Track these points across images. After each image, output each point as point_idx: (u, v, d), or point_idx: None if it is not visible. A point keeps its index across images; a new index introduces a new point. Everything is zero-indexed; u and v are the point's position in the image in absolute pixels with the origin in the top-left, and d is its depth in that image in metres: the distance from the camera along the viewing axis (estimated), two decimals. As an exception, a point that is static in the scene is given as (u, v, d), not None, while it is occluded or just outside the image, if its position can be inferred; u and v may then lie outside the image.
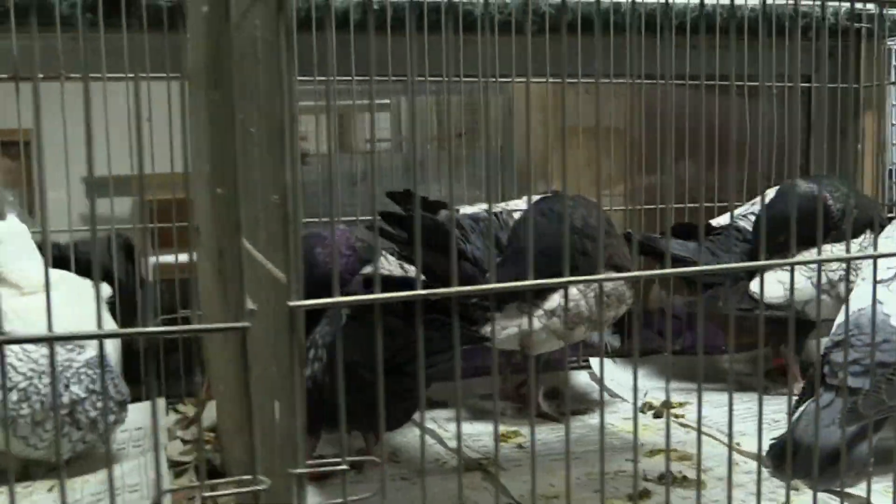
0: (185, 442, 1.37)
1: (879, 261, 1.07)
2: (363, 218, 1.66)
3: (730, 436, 0.95)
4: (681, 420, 1.50)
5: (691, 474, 1.26)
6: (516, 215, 1.46)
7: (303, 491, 0.72)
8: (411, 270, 1.38)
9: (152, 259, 1.62)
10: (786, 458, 1.14)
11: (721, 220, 1.71)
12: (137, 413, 1.41)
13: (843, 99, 1.93)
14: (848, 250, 0.99)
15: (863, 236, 1.61)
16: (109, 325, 1.39)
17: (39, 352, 1.24)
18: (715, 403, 1.44)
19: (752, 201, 1.74)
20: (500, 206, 1.50)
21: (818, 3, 1.69)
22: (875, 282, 1.13)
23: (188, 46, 1.43)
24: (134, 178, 1.49)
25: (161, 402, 1.52)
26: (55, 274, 1.33)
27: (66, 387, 1.22)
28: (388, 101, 2.03)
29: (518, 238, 1.39)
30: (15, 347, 1.22)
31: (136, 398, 1.38)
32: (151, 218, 1.54)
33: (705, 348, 1.77)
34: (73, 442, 1.24)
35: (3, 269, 1.28)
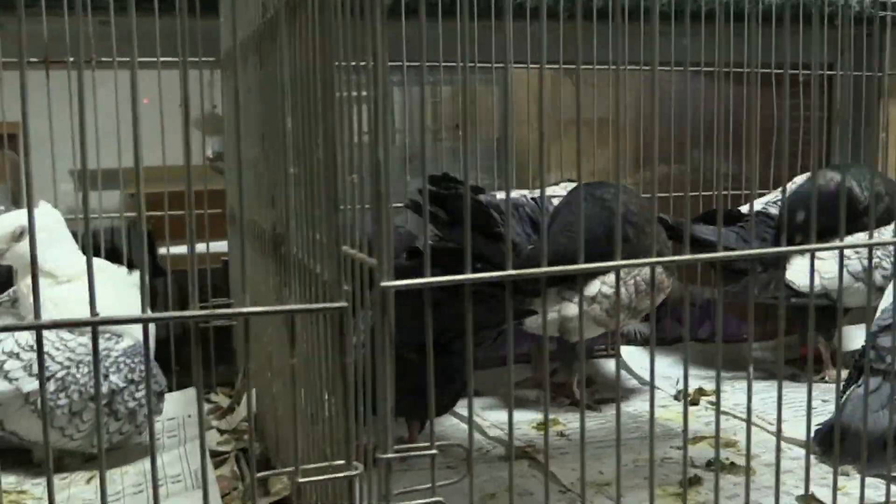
0: (221, 432, 1.35)
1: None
2: (397, 205, 1.64)
3: (779, 420, 0.94)
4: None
5: (738, 460, 1.25)
6: (555, 201, 1.44)
7: (390, 476, 0.70)
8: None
9: (174, 249, 1.59)
10: (832, 443, 1.14)
11: (755, 206, 1.70)
12: (170, 403, 1.38)
13: (867, 87, 1.93)
14: (871, 237, 0.99)
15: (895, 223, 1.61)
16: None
17: (77, 340, 1.21)
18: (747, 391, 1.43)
19: (782, 188, 1.73)
20: (537, 192, 1.48)
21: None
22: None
23: (223, 31, 1.41)
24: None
25: (192, 393, 1.50)
26: (81, 263, 1.30)
27: (105, 376, 1.19)
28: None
29: (558, 223, 1.37)
30: (52, 336, 1.19)
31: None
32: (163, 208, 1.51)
33: (727, 337, 1.78)
34: (111, 433, 1.21)
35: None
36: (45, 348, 1.19)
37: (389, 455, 0.70)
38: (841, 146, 1.97)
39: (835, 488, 0.97)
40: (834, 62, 1.96)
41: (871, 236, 0.98)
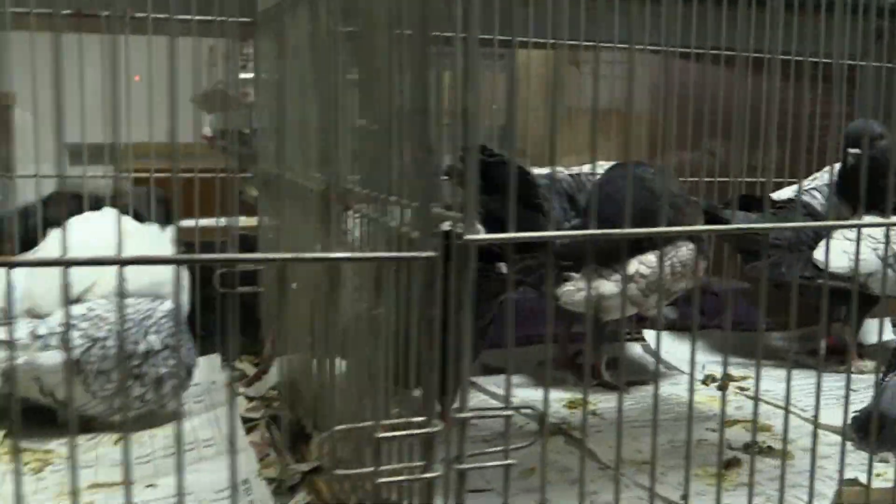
0: (248, 399, 1.33)
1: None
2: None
3: (817, 405, 0.93)
4: (746, 393, 1.48)
5: (774, 444, 1.24)
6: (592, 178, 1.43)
7: (466, 435, 0.69)
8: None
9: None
10: (868, 430, 1.14)
11: (782, 194, 1.69)
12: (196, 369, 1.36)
13: (888, 80, 1.91)
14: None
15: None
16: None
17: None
18: (776, 378, 1.42)
19: (813, 177, 1.72)
20: (575, 169, 1.46)
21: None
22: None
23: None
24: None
25: (216, 360, 1.48)
26: (130, 224, 1.28)
27: (145, 335, 1.17)
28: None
29: (599, 200, 1.35)
30: (102, 302, 1.17)
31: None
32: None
33: (743, 325, 1.77)
34: (134, 398, 1.19)
35: None
36: (98, 311, 1.18)
37: (466, 414, 0.68)
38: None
39: (870, 472, 0.97)
40: (856, 53, 1.94)
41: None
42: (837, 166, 1.59)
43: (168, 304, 1.22)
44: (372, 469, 0.63)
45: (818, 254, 1.54)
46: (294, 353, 1.19)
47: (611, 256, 1.38)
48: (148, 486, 1.03)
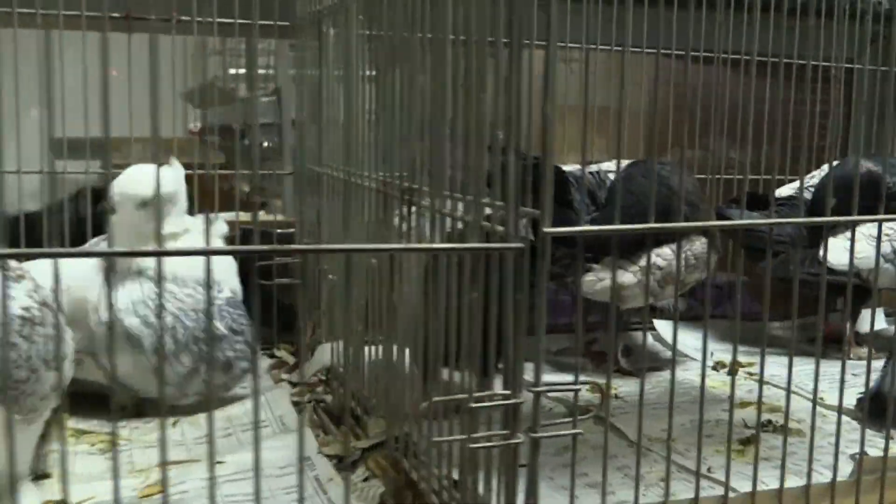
0: (292, 384, 1.40)
1: None
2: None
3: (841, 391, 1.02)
4: (755, 378, 1.57)
5: (791, 425, 1.33)
6: (611, 175, 1.51)
7: (540, 407, 0.77)
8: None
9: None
10: (873, 410, 1.23)
11: (783, 192, 1.78)
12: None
13: (883, 84, 2.01)
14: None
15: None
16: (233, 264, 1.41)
17: (183, 291, 1.26)
18: (780, 364, 1.51)
19: (811, 174, 1.81)
20: (594, 167, 1.55)
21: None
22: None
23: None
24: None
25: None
26: (185, 221, 1.35)
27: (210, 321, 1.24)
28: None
29: (623, 194, 1.44)
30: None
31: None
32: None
33: (743, 316, 1.87)
34: (205, 381, 1.26)
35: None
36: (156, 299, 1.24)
37: (540, 388, 0.76)
38: (857, 139, 2.06)
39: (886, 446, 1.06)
40: (854, 57, 2.04)
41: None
42: (836, 163, 1.68)
43: (226, 293, 1.30)
44: (465, 436, 0.72)
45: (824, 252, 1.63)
46: (344, 340, 1.26)
47: (630, 249, 1.48)
48: (217, 463, 1.11)
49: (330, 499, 1.01)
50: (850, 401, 1.39)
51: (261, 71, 2.10)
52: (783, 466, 0.97)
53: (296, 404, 1.32)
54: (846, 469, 1.10)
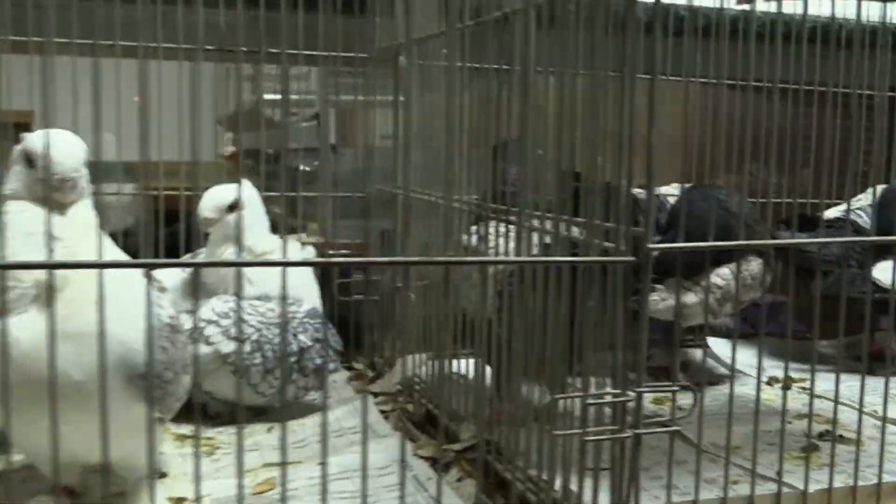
0: (374, 395, 1.49)
1: None
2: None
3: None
4: (807, 391, 1.64)
5: (846, 434, 1.41)
6: (671, 199, 1.60)
7: (642, 405, 0.86)
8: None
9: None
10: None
11: (830, 214, 1.86)
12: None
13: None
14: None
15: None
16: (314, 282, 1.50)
17: (265, 306, 1.35)
18: (829, 380, 1.59)
19: (857, 198, 1.89)
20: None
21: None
22: None
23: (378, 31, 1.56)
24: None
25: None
26: (273, 241, 1.43)
27: (294, 336, 1.33)
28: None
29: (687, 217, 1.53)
30: (243, 303, 1.33)
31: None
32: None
33: (783, 334, 1.94)
34: (298, 388, 1.35)
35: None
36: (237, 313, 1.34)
37: (643, 389, 0.85)
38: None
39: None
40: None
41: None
42: (880, 188, 1.76)
43: (306, 306, 1.39)
44: (581, 430, 0.80)
45: (877, 272, 1.70)
46: (428, 352, 1.35)
47: (691, 269, 1.56)
48: (319, 464, 1.19)
49: (430, 495, 1.10)
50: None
51: (296, 96, 2.19)
52: (857, 462, 1.05)
53: (383, 412, 1.41)
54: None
